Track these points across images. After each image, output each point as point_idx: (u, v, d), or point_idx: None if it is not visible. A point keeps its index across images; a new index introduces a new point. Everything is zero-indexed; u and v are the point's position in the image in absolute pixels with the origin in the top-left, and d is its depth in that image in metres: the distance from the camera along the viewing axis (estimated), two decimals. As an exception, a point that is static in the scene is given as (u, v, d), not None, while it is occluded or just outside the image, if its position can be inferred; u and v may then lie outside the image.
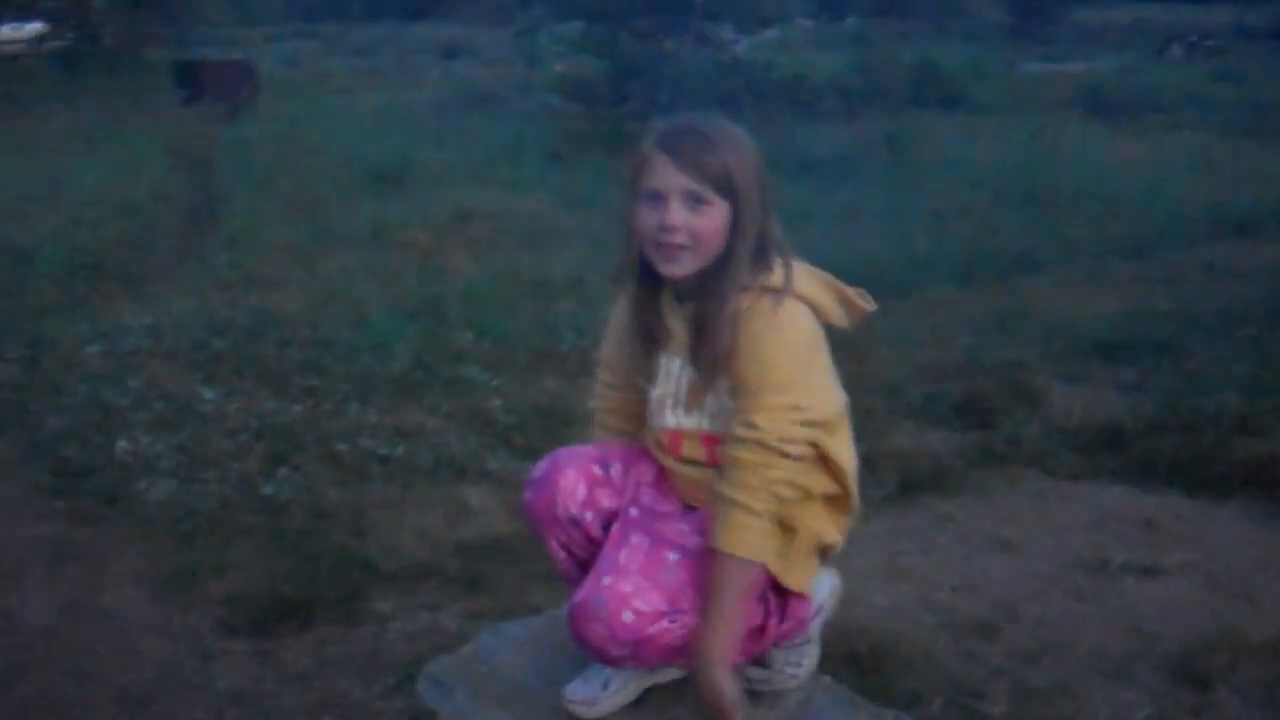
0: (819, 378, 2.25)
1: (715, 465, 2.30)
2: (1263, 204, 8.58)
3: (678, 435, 2.37)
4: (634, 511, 2.39)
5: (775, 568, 2.28)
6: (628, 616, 2.17)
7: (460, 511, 4.10)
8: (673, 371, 2.34)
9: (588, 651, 2.26)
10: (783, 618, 2.39)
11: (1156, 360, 5.53)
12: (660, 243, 2.22)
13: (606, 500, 2.40)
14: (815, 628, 2.53)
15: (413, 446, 4.57)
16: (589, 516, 2.39)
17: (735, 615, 2.23)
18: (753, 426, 2.18)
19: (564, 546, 2.42)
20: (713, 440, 2.32)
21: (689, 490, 2.39)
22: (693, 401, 2.33)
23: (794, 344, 2.20)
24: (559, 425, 4.60)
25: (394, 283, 6.73)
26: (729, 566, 2.20)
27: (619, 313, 2.43)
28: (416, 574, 3.64)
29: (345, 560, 3.69)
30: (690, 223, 2.20)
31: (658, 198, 2.21)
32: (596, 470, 2.42)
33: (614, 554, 2.28)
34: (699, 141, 2.21)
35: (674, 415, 2.36)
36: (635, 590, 2.19)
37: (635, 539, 2.30)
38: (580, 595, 2.22)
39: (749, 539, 2.20)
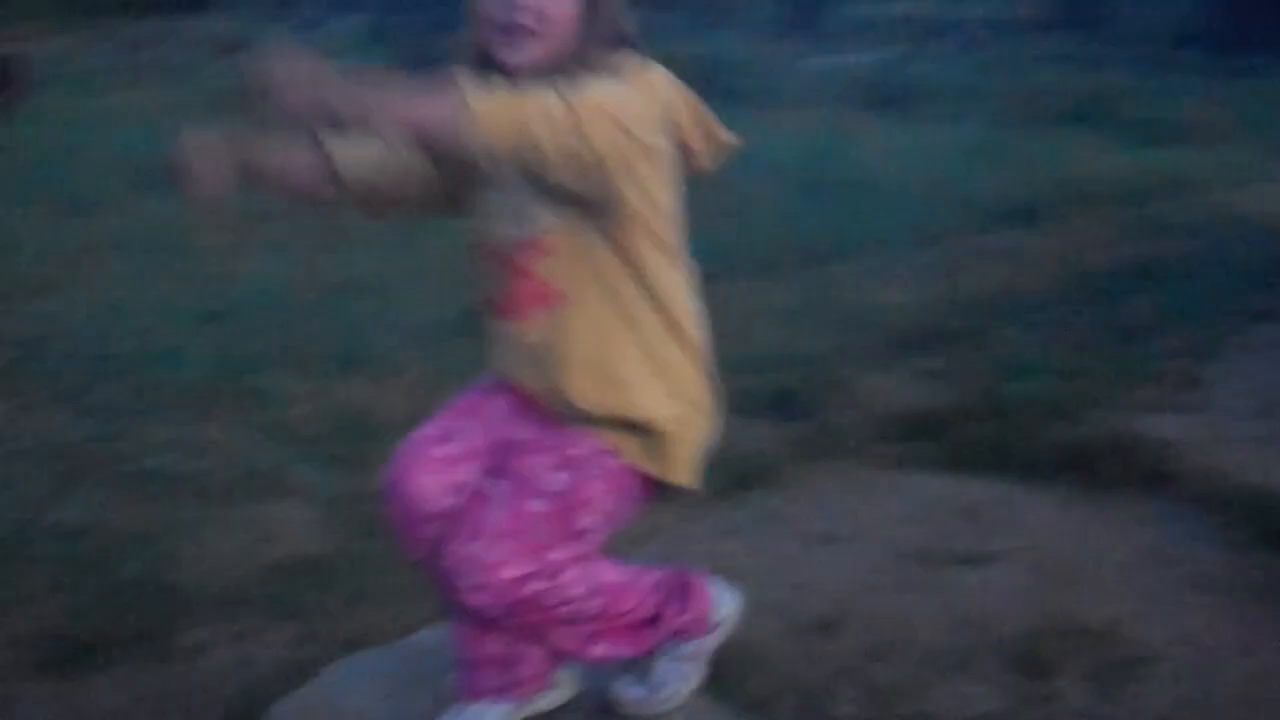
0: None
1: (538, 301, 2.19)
2: (1045, 191, 8.80)
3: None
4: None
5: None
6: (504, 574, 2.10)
7: (267, 531, 3.89)
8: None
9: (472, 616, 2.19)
10: (682, 608, 2.29)
11: (963, 347, 5.60)
12: (506, 24, 2.06)
13: (467, 474, 2.25)
14: (710, 644, 2.43)
15: (211, 462, 4.34)
16: (459, 500, 2.24)
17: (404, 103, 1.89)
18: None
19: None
20: (537, 247, 2.18)
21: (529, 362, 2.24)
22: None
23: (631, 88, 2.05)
24: (367, 434, 4.40)
25: (183, 288, 6.43)
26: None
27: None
28: (227, 601, 3.41)
29: (148, 589, 3.45)
30: (539, 3, 2.06)
31: None
32: (440, 452, 2.26)
33: (479, 510, 2.17)
34: None
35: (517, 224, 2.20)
36: (504, 555, 2.12)
37: (498, 488, 2.19)
38: (450, 559, 2.14)
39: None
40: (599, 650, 2.30)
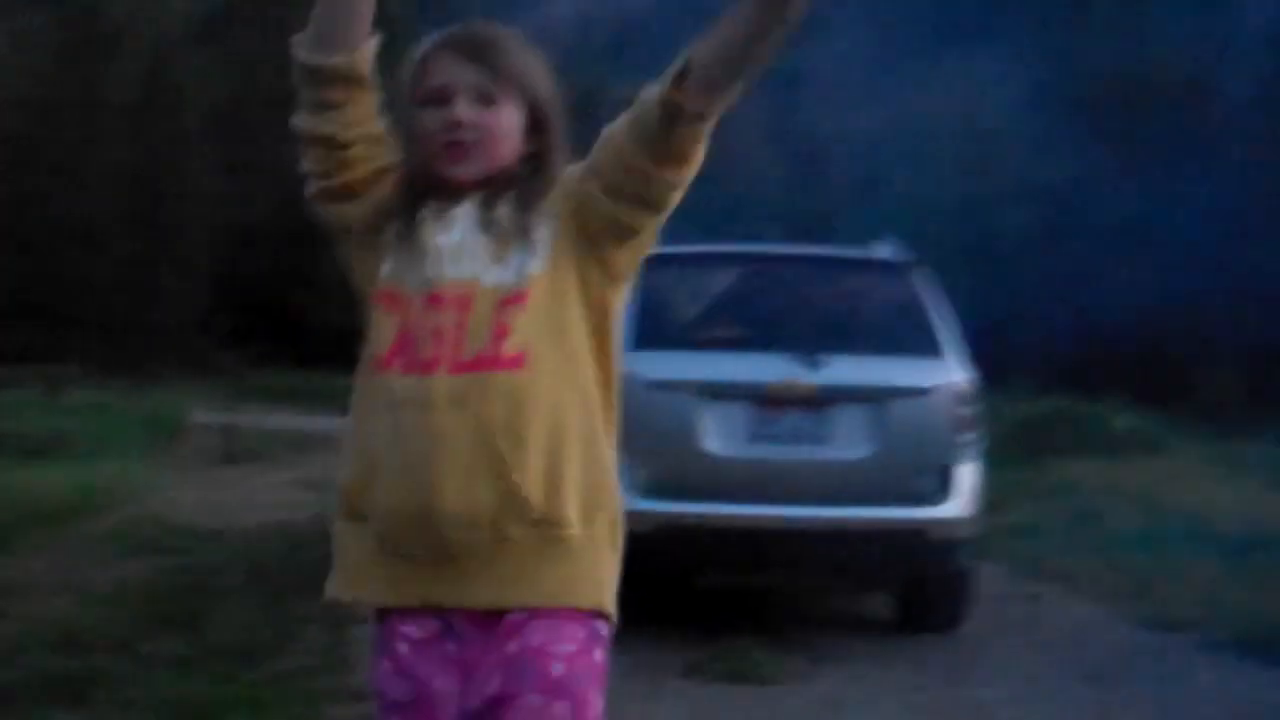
0: None
1: (496, 365, 1.94)
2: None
3: (468, 294, 1.98)
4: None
5: None
6: None
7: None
8: (459, 218, 2.02)
9: None
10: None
11: None
12: (447, 142, 2.00)
13: None
14: None
15: None
16: None
17: None
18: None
19: None
20: (512, 301, 1.96)
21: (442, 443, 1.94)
22: (501, 248, 1.99)
23: None
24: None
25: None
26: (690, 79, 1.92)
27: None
28: None
29: None
30: (479, 119, 2.00)
31: (442, 98, 2.00)
32: None
33: None
34: (485, 39, 2.05)
35: (469, 265, 1.99)
36: None
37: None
38: None
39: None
40: None
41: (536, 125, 2.05)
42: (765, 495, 5.76)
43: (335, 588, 2.08)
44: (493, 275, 1.97)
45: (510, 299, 1.96)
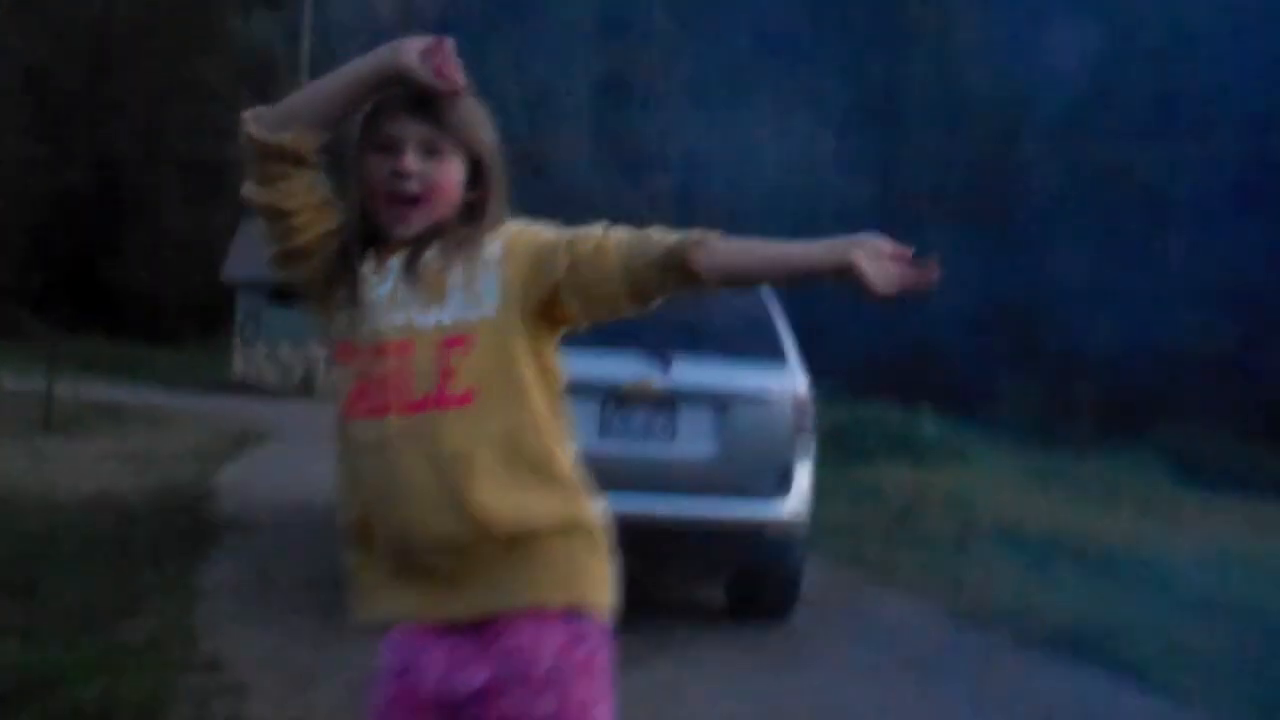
0: None
1: (443, 403, 2.07)
2: None
3: (407, 343, 2.09)
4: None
5: None
6: None
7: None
8: (391, 269, 2.13)
9: None
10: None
11: None
12: (391, 191, 2.10)
13: None
14: None
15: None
16: None
17: None
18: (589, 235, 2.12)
19: None
20: (455, 343, 2.08)
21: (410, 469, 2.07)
22: (433, 295, 2.10)
23: None
24: None
25: None
26: (701, 248, 2.05)
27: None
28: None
29: None
30: (425, 170, 2.10)
31: (391, 146, 2.10)
32: None
33: None
34: (428, 90, 2.10)
35: (403, 313, 2.10)
36: None
37: None
38: None
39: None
40: None
41: (477, 177, 2.16)
42: (614, 487, 5.94)
43: (358, 611, 2.23)
44: (428, 319, 2.09)
45: (451, 341, 2.07)
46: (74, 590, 6.22)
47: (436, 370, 2.06)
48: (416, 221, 2.12)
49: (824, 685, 5.67)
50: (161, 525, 8.32)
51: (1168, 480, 18.27)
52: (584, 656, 2.11)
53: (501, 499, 2.07)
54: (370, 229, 2.14)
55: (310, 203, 2.15)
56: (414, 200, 2.11)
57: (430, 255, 2.12)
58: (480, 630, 2.11)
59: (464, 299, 2.09)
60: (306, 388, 31.30)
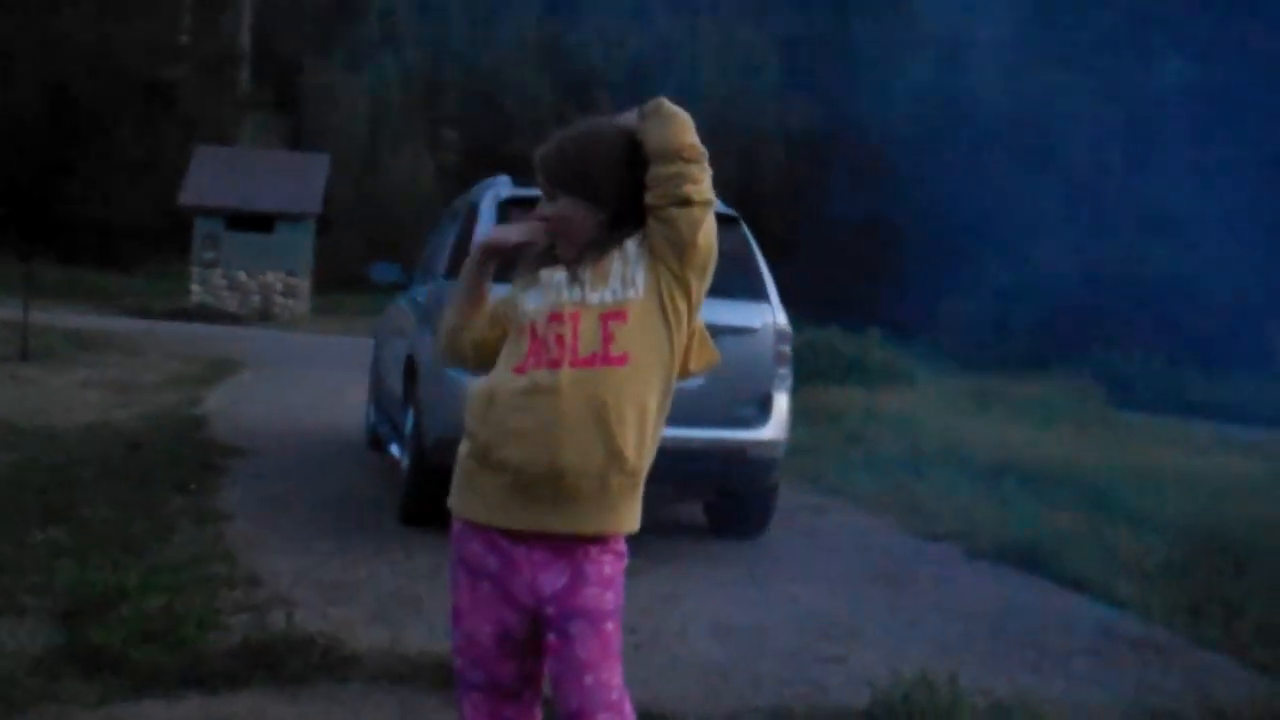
0: None
1: (607, 362, 2.66)
2: None
3: (576, 313, 2.70)
4: (550, 609, 2.73)
5: None
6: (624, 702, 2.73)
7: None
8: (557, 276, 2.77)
9: None
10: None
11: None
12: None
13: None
14: None
15: None
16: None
17: None
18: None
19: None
20: (615, 317, 2.69)
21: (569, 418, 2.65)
22: (598, 276, 2.73)
23: None
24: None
25: None
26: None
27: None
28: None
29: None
30: (550, 213, 2.81)
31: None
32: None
33: (572, 651, 2.70)
34: (550, 148, 2.81)
35: (571, 292, 2.73)
36: (611, 674, 2.72)
37: (575, 628, 2.71)
38: (575, 703, 2.68)
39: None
40: None
41: (596, 192, 2.80)
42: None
43: (464, 507, 2.81)
44: (594, 298, 2.72)
45: (611, 315, 2.70)
46: (109, 515, 6.71)
47: (600, 336, 2.69)
48: (565, 251, 2.81)
49: (800, 594, 6.27)
50: (168, 454, 8.78)
51: (1102, 402, 19.04)
52: (622, 567, 2.82)
53: (633, 441, 2.70)
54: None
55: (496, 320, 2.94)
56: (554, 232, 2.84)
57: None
58: (560, 543, 2.74)
59: (624, 284, 2.73)
60: (265, 314, 31.50)
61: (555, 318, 2.70)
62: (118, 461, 8.40)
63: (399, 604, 5.56)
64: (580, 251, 2.75)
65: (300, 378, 15.75)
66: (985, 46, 32.37)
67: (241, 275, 32.53)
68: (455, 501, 2.83)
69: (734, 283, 6.80)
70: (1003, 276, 28.58)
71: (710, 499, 7.59)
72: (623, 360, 2.67)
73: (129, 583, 5.32)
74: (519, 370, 2.72)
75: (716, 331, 2.97)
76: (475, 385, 2.82)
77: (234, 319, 30.05)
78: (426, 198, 43.09)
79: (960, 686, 4.40)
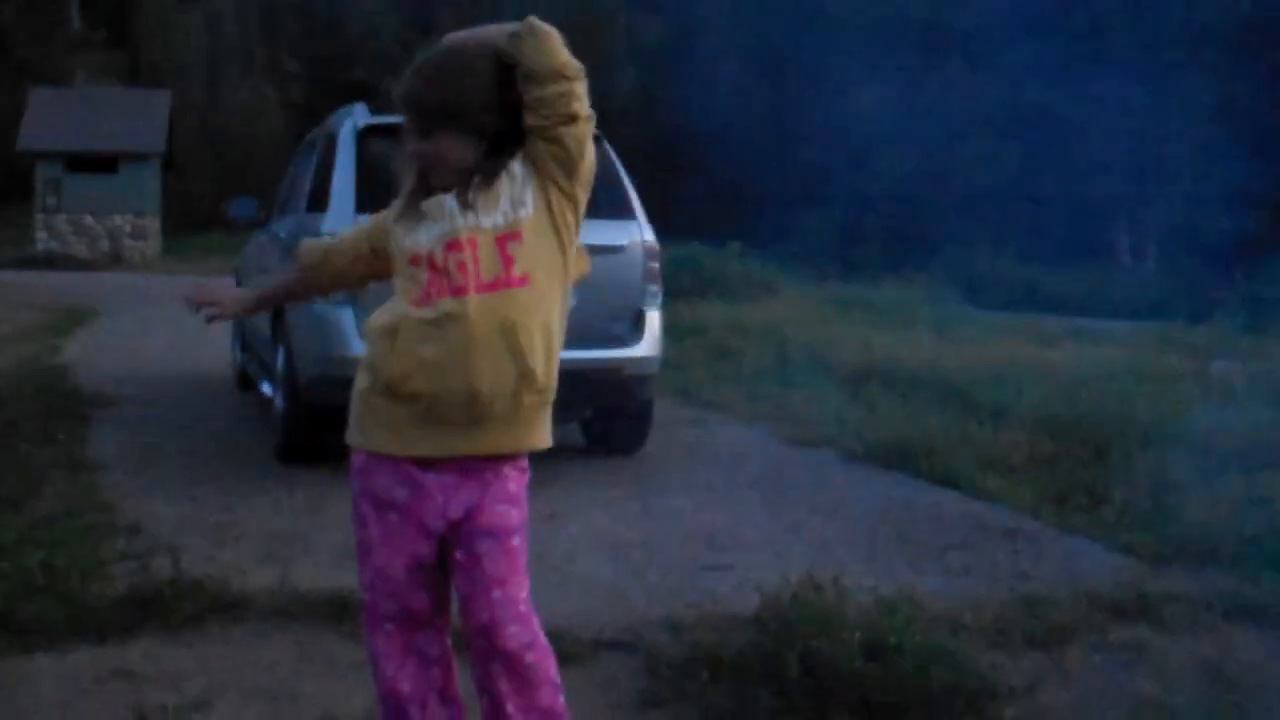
0: None
1: (510, 284, 2.69)
2: None
3: (474, 239, 2.70)
4: (460, 529, 2.78)
5: None
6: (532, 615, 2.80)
7: None
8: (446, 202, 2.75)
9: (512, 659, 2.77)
10: None
11: None
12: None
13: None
14: None
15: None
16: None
17: None
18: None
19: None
20: (510, 238, 2.71)
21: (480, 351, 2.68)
22: (489, 199, 2.72)
23: None
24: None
25: None
26: None
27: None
28: None
29: None
30: (423, 150, 2.76)
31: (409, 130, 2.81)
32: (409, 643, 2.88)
33: (480, 567, 2.77)
34: (414, 84, 2.78)
35: (466, 218, 2.72)
36: (519, 589, 2.81)
37: (483, 545, 2.77)
38: (485, 617, 2.75)
39: None
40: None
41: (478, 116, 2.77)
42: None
43: (370, 441, 2.83)
44: (488, 221, 2.72)
45: (507, 237, 2.71)
46: (-24, 471, 6.55)
47: (500, 259, 2.70)
48: (442, 180, 2.78)
49: (683, 507, 6.39)
50: (31, 405, 8.58)
51: (957, 302, 19.47)
52: (525, 481, 2.89)
53: (541, 359, 2.74)
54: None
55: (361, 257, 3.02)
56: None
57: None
58: (470, 465, 2.78)
59: (514, 205, 2.74)
60: (115, 258, 30.70)
61: (454, 246, 2.71)
62: (-22, 416, 8.18)
63: (285, 542, 5.54)
64: (464, 179, 2.74)
65: (158, 321, 15.43)
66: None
67: (88, 219, 31.67)
68: (356, 436, 2.85)
69: (600, 201, 6.77)
70: (854, 185, 28.98)
71: (587, 418, 7.65)
72: (524, 281, 2.70)
73: (5, 538, 5.22)
74: (423, 302, 2.72)
75: (587, 251, 3.00)
76: (374, 321, 2.82)
77: (84, 265, 29.30)
78: (272, 130, 42.23)
79: (844, 586, 4.52)
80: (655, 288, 7.03)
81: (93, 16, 45.81)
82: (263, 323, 7.97)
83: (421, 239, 2.75)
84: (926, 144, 29.88)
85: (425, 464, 2.77)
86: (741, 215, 25.34)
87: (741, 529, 6.00)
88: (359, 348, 6.28)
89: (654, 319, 7.02)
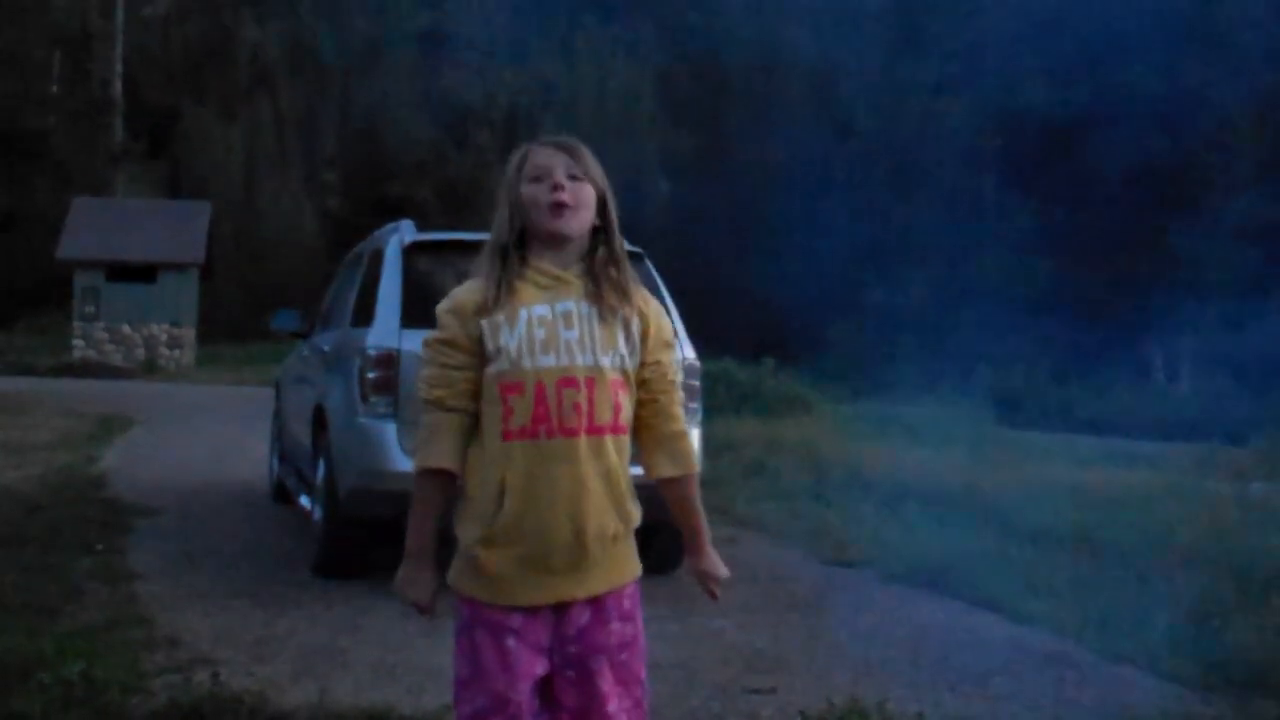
0: None
1: (616, 430, 2.73)
2: None
3: (591, 379, 2.71)
4: (572, 648, 2.78)
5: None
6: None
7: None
8: (578, 313, 2.75)
9: None
10: None
11: None
12: (551, 203, 2.75)
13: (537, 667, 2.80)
14: None
15: None
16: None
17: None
18: (664, 369, 2.84)
19: None
20: (621, 386, 2.75)
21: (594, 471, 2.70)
22: (606, 344, 2.74)
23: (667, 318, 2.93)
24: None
25: None
26: (694, 480, 2.92)
27: (465, 292, 2.80)
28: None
29: None
30: (572, 188, 2.77)
31: (543, 175, 2.77)
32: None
33: (595, 686, 2.78)
34: (570, 142, 2.85)
35: (588, 355, 2.72)
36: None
37: (596, 663, 2.79)
38: None
39: (694, 454, 2.92)
40: None
41: (602, 206, 2.84)
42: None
43: (477, 592, 2.79)
44: (607, 361, 2.75)
45: (619, 384, 2.76)
46: (14, 581, 6.56)
47: (612, 404, 2.73)
48: (573, 223, 2.77)
49: (722, 628, 6.33)
50: (70, 515, 8.62)
51: (992, 420, 19.41)
52: (638, 598, 2.90)
53: (630, 500, 2.80)
54: (519, 242, 2.82)
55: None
56: (568, 207, 2.76)
57: (609, 297, 2.79)
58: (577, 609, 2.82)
59: (626, 348, 2.78)
60: (150, 366, 30.94)
61: (569, 383, 2.71)
62: (18, 525, 8.23)
63: (323, 658, 5.52)
64: (568, 252, 2.81)
65: (195, 430, 15.55)
66: (858, 76, 32.99)
67: (125, 328, 31.99)
68: (460, 582, 2.83)
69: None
70: (887, 300, 29.04)
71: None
72: (626, 429, 2.77)
73: (45, 648, 5.22)
74: (530, 436, 2.71)
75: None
76: (472, 459, 2.79)
77: (119, 373, 29.51)
78: (308, 241, 42.77)
79: (890, 711, 4.47)
80: (695, 405, 7.05)
81: (135, 128, 46.69)
82: (303, 435, 8.01)
83: (531, 365, 2.72)
84: (957, 261, 30.01)
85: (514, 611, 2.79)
86: (772, 330, 25.41)
87: (782, 651, 5.94)
88: (401, 461, 6.41)
89: (693, 436, 7.01)
